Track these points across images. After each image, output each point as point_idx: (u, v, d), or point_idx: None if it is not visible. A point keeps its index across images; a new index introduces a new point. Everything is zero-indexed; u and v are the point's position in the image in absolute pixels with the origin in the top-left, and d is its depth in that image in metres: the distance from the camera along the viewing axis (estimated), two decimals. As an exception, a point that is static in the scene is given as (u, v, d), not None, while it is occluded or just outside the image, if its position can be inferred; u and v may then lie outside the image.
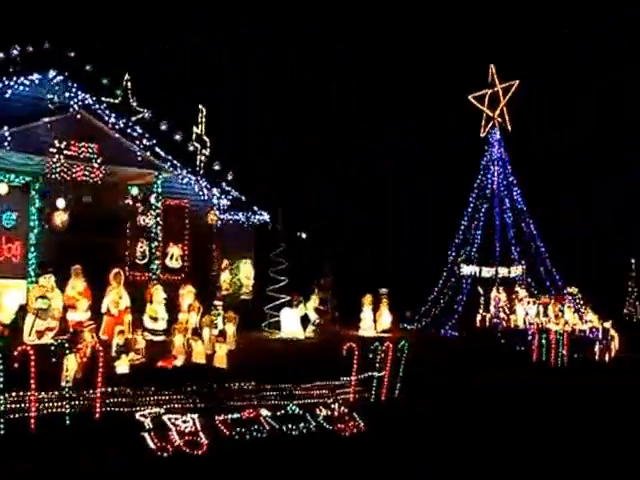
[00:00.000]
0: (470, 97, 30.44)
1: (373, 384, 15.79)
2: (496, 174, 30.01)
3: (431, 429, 14.75)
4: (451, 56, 37.57)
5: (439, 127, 36.92)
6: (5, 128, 18.24)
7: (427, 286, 28.89)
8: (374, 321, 22.64)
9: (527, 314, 26.82)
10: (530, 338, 23.21)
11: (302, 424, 13.66)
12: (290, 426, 13.47)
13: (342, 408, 14.52)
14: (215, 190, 23.73)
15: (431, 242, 32.76)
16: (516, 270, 28.80)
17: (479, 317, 27.22)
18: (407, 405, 15.84)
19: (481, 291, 28.10)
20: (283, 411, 13.84)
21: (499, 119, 30.29)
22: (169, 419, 12.52)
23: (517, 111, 30.77)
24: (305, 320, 21.31)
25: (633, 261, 34.32)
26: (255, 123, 34.77)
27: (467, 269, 28.65)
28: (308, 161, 35.75)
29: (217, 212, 23.67)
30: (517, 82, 29.97)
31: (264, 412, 13.59)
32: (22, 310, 15.97)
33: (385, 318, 22.86)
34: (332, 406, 14.49)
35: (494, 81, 30.27)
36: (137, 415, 12.46)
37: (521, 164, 31.22)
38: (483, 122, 30.56)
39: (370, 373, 15.85)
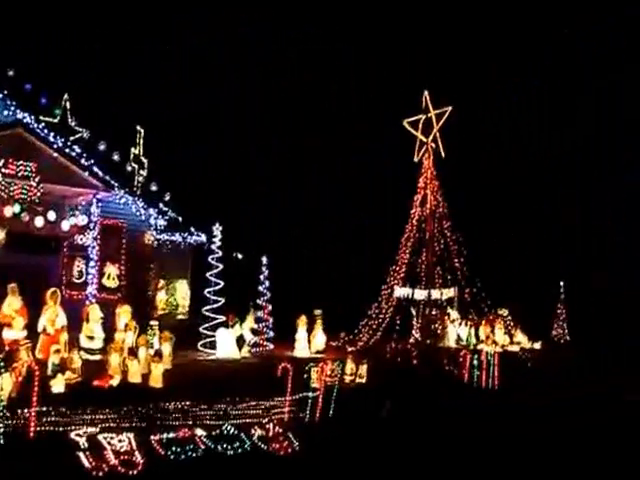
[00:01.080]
0: (405, 122, 30.92)
1: (308, 404, 16.04)
2: (429, 198, 30.52)
3: (364, 449, 15.07)
4: (391, 81, 38.29)
5: (380, 146, 37.38)
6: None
7: (362, 308, 29.24)
8: (308, 342, 22.92)
9: (459, 335, 27.41)
10: (461, 359, 23.66)
11: (237, 444, 13.80)
12: (225, 446, 13.61)
13: (277, 428, 14.69)
14: (152, 210, 23.86)
15: (367, 263, 33.22)
16: (448, 292, 29.31)
17: (411, 338, 27.73)
18: (341, 425, 16.11)
19: (414, 313, 28.61)
20: (218, 431, 13.94)
21: (433, 144, 30.77)
22: (104, 438, 12.55)
23: (452, 135, 31.33)
24: (240, 340, 21.48)
25: (562, 284, 35.17)
26: (193, 144, 34.90)
27: (400, 291, 29.07)
28: (244, 182, 36.04)
29: (154, 232, 23.79)
30: (450, 108, 30.48)
31: (199, 432, 13.69)
32: (-44, 329, 15.88)
33: (319, 339, 23.16)
34: (267, 426, 14.66)
35: (428, 107, 30.81)
36: (72, 434, 12.46)
37: (455, 188, 31.82)
38: (417, 147, 31.02)
39: (305, 393, 16.12)
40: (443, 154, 30.71)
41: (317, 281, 33.00)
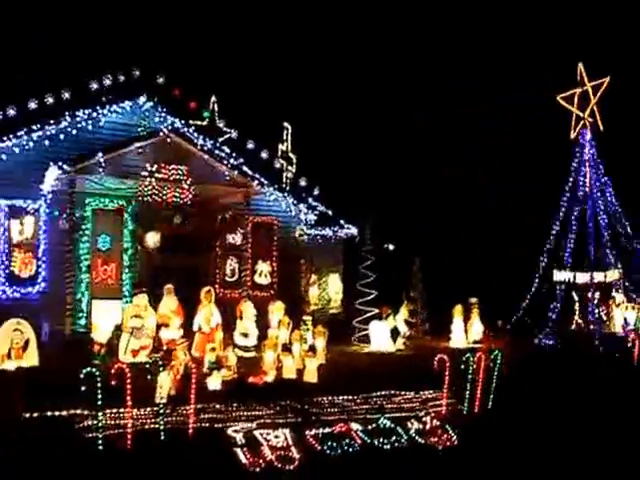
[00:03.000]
0: (559, 97, 29.63)
1: (465, 396, 15.54)
2: (588, 176, 29.11)
3: (526, 442, 14.42)
4: (538, 55, 36.89)
5: (527, 130, 36.23)
6: (99, 154, 18.99)
7: (519, 294, 28.24)
8: (465, 332, 22.37)
9: (626, 320, 26.00)
10: (630, 345, 22.39)
11: (394, 438, 13.47)
12: (381, 440, 13.31)
13: (434, 421, 14.31)
14: (302, 206, 23.98)
15: (522, 248, 32.11)
16: (612, 275, 27.81)
17: (574, 324, 26.54)
18: (501, 417, 15.51)
19: (576, 297, 27.34)
20: (374, 425, 13.70)
21: (590, 119, 29.37)
22: (260, 434, 12.62)
23: (610, 108, 29.72)
24: (395, 333, 21.24)
25: None
26: (340, 137, 34.97)
27: (560, 275, 27.83)
28: (394, 172, 35.75)
29: (304, 227, 23.91)
30: (607, 79, 29.00)
31: (355, 426, 13.50)
32: (118, 329, 16.60)
33: (476, 328, 22.56)
34: (424, 419, 14.31)
35: (583, 80, 29.40)
36: (229, 430, 12.62)
37: (616, 164, 30.23)
38: (573, 123, 29.70)
39: (462, 385, 15.62)
40: (602, 128, 29.27)
41: (472, 268, 32.23)
